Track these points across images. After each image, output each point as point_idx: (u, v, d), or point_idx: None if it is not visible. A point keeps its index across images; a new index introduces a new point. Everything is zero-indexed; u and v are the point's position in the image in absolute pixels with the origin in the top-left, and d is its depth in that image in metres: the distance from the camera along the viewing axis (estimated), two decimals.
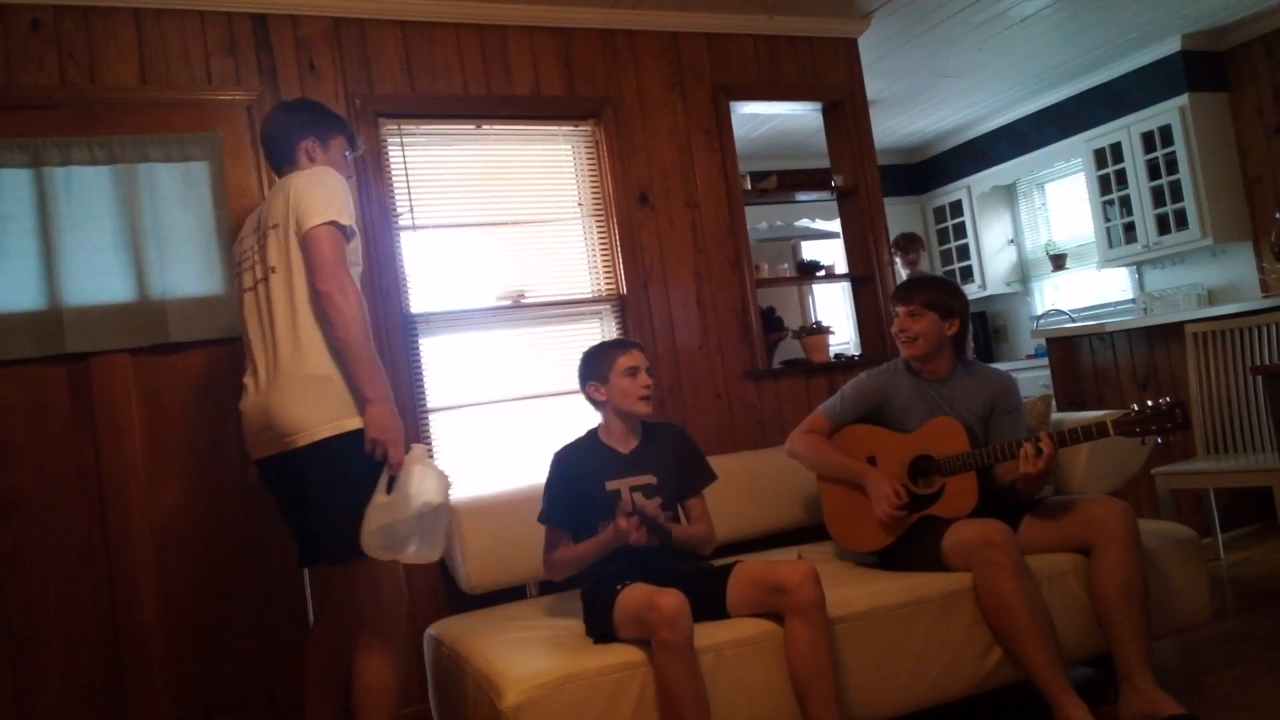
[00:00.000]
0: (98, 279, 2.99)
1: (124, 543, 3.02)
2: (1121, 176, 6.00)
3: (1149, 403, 2.60)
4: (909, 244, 5.84)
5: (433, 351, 3.56)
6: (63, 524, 2.98)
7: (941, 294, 3.03)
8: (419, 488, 2.32)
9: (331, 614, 2.62)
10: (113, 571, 3.00)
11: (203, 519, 3.13)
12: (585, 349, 2.87)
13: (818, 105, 4.47)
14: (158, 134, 3.12)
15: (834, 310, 6.77)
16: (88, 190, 3.00)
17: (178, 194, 3.08)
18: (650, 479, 2.73)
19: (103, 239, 3.01)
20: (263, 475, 2.59)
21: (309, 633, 2.87)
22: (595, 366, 2.78)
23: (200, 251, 3.10)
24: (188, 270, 3.08)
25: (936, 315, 2.98)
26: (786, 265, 4.79)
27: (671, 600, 2.29)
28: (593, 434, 2.83)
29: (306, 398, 2.36)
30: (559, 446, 2.81)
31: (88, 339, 2.98)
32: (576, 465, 2.74)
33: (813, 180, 4.45)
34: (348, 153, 2.70)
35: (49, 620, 2.94)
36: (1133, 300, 6.41)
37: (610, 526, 2.56)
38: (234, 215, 3.22)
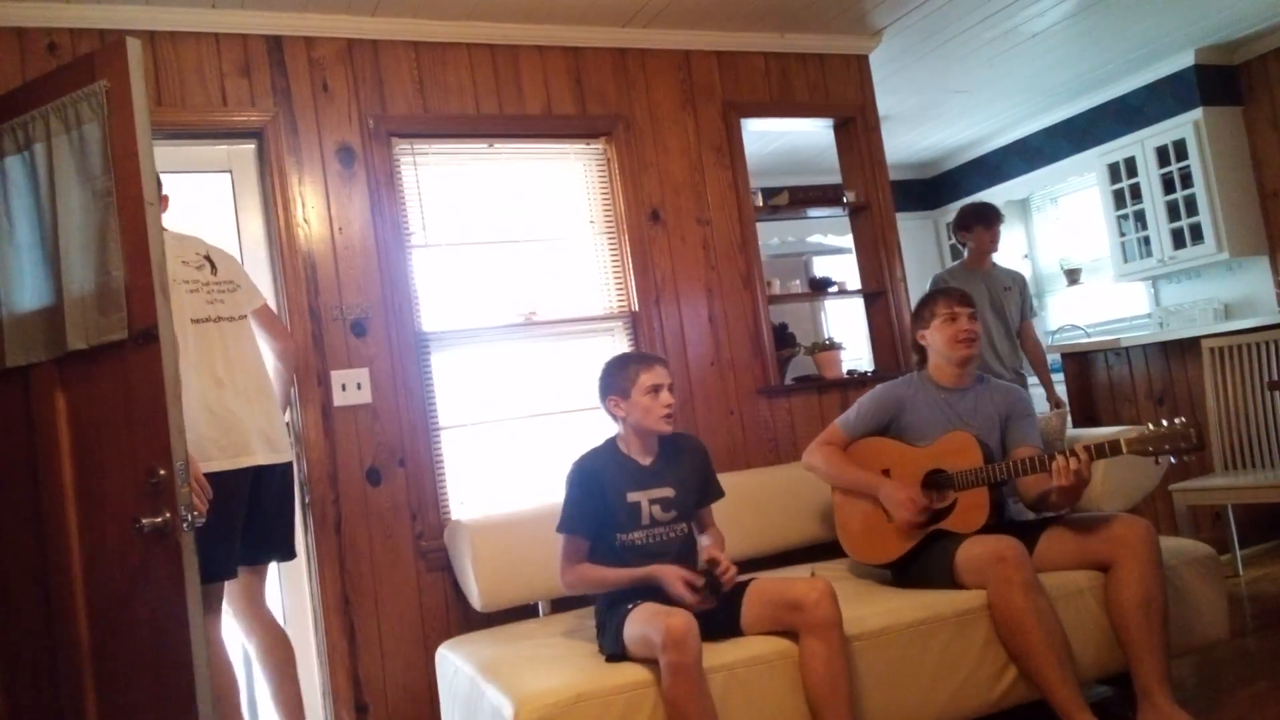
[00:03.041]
0: (29, 282, 2.55)
1: (61, 579, 2.43)
2: (1136, 191, 5.97)
3: (1164, 422, 2.58)
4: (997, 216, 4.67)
5: (444, 369, 3.57)
6: (19, 551, 2.52)
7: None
8: None
9: (269, 617, 2.94)
10: (51, 609, 2.47)
11: (116, 559, 2.39)
12: (607, 360, 2.83)
13: (829, 122, 4.48)
14: (58, 99, 2.50)
15: (846, 326, 6.75)
16: (17, 182, 2.57)
17: (75, 168, 2.48)
18: (669, 492, 2.72)
19: (31, 235, 2.55)
20: (231, 482, 2.68)
21: (266, 644, 2.86)
22: (617, 380, 2.73)
23: (96, 236, 2.44)
24: (84, 261, 2.45)
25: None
26: (798, 281, 4.79)
27: (679, 621, 2.28)
28: (612, 443, 2.80)
29: (283, 424, 2.96)
30: (579, 455, 2.78)
31: (25, 351, 2.53)
32: (597, 475, 2.71)
33: (824, 196, 4.44)
34: None
35: (21, 648, 2.52)
36: (1148, 315, 6.37)
37: (660, 570, 2.54)
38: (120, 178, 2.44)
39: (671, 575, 2.51)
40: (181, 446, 2.22)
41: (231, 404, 2.77)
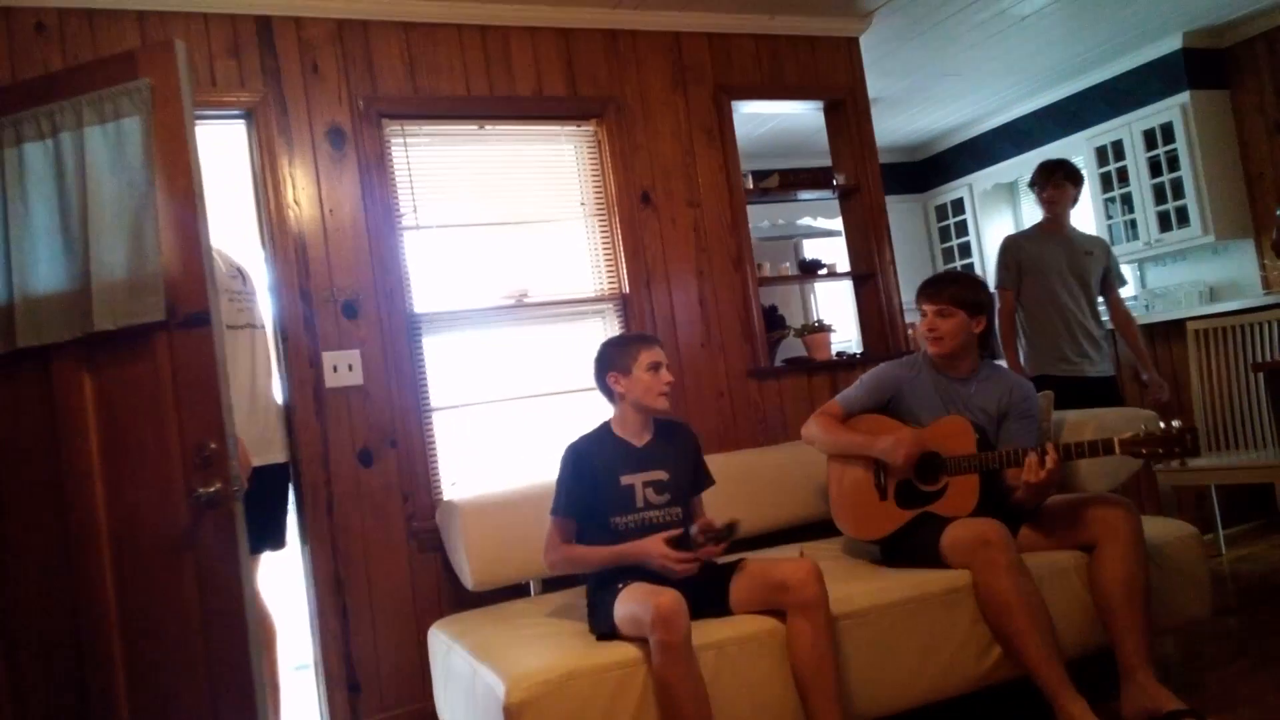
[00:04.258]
0: (43, 265, 2.63)
1: (84, 553, 2.55)
2: (1123, 174, 6.00)
3: (1160, 424, 2.56)
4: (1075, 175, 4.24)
5: (436, 351, 3.58)
6: (35, 531, 2.59)
7: (970, 290, 2.99)
8: None
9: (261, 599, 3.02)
10: (77, 584, 2.56)
11: (152, 531, 2.54)
12: (606, 339, 2.87)
13: (819, 104, 4.48)
14: (91, 92, 2.61)
15: (836, 309, 6.77)
16: (36, 168, 2.64)
17: (110, 159, 2.60)
18: (663, 474, 2.74)
19: (50, 220, 2.63)
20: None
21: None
22: (617, 358, 2.77)
23: (131, 224, 2.57)
24: (113, 247, 2.57)
25: (965, 314, 2.96)
26: (788, 264, 4.81)
27: (667, 600, 2.30)
28: (606, 426, 2.82)
29: (281, 427, 3.22)
30: (572, 439, 2.79)
31: (33, 332, 2.60)
32: (590, 458, 2.73)
33: (814, 179, 4.46)
34: None
35: (29, 631, 2.59)
36: (1134, 297, 6.40)
37: (642, 545, 2.56)
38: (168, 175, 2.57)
39: (651, 547, 2.53)
40: (230, 422, 2.46)
41: (244, 406, 2.94)
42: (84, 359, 2.59)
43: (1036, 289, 4.09)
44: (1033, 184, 4.26)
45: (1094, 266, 4.16)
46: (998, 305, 4.06)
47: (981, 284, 3.06)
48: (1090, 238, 4.33)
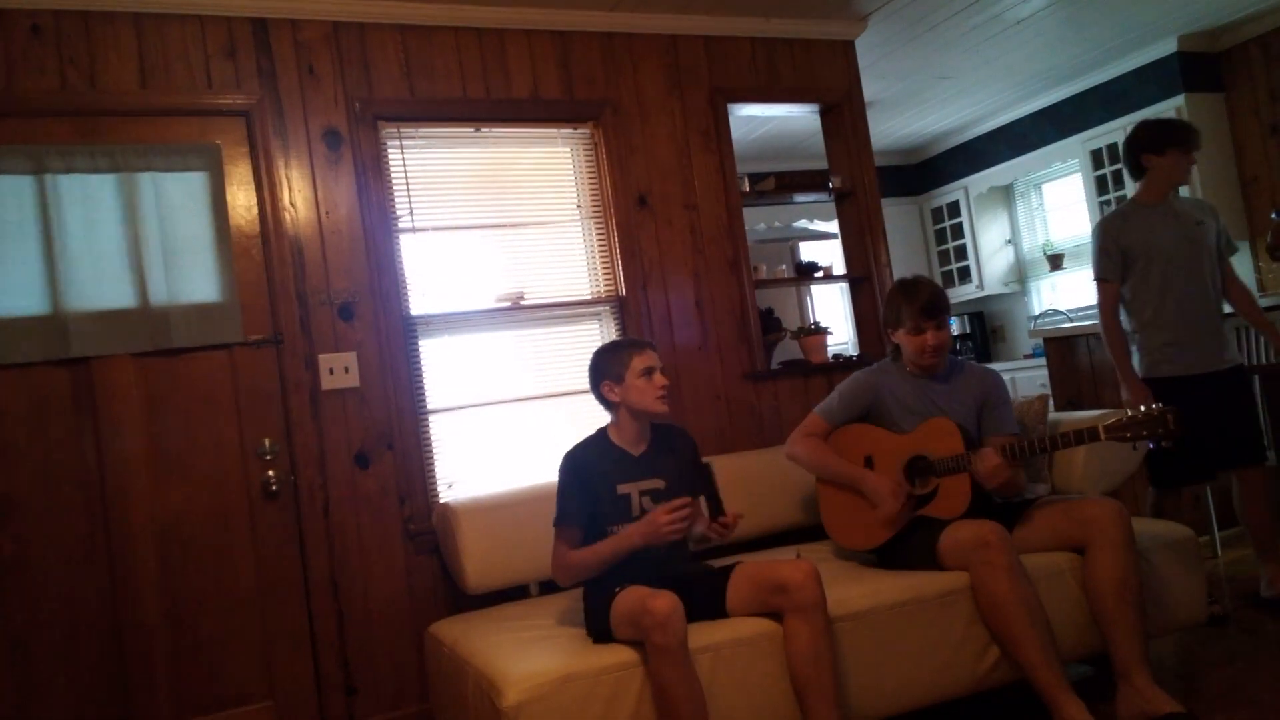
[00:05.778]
0: (101, 285, 3.05)
1: (126, 545, 3.03)
2: (1118, 177, 6.01)
3: (1142, 408, 2.61)
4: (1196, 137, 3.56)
5: (432, 353, 3.58)
6: (64, 526, 2.99)
7: (947, 298, 3.07)
8: None
9: None
10: (115, 573, 3.03)
11: (205, 522, 3.15)
12: (598, 348, 2.84)
13: (815, 107, 4.49)
14: (160, 143, 3.15)
15: (832, 311, 6.79)
16: (91, 197, 3.05)
17: (180, 203, 3.16)
18: (659, 483, 2.73)
19: (107, 245, 3.06)
20: None
21: None
22: (610, 366, 2.75)
23: (201, 260, 3.18)
24: (190, 277, 3.17)
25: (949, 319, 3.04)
26: (785, 266, 4.81)
27: (664, 603, 2.29)
28: (603, 434, 2.81)
29: None
30: (569, 447, 2.78)
31: (91, 343, 3.02)
32: (588, 465, 2.72)
33: (810, 182, 4.46)
34: None
35: (51, 621, 2.95)
36: None
37: (637, 524, 2.55)
38: (234, 223, 3.27)
39: (649, 525, 2.52)
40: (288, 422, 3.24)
41: None
42: (130, 366, 3.08)
43: (1148, 275, 3.46)
44: (1161, 149, 3.49)
45: (1208, 238, 3.51)
46: (1098, 299, 3.56)
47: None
48: (1197, 203, 3.68)
